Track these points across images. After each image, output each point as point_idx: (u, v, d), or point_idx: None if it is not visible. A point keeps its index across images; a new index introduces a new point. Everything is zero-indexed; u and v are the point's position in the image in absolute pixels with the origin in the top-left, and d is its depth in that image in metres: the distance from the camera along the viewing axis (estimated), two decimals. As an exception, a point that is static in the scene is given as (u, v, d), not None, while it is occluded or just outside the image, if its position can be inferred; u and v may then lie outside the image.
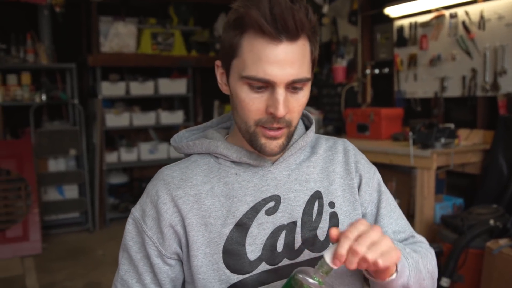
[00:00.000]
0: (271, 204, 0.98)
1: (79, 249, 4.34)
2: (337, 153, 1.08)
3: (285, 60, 0.87)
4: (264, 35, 0.86)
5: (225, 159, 1.01)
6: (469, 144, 3.59)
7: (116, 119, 5.00)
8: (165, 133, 5.47)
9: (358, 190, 1.06)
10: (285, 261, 0.97)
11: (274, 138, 0.93)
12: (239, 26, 0.89)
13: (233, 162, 1.00)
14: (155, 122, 5.22)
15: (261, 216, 0.97)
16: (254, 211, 0.97)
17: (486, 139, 3.63)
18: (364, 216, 1.07)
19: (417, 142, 3.31)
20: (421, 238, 1.10)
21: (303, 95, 0.93)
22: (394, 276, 0.87)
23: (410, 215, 3.64)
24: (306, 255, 0.98)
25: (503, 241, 2.65)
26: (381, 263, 0.79)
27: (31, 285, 3.53)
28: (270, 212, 0.97)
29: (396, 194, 3.68)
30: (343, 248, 0.78)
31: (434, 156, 3.20)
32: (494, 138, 3.54)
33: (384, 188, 1.10)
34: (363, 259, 0.78)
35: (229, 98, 1.00)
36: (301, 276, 0.79)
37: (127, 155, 5.13)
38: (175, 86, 5.30)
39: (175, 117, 5.27)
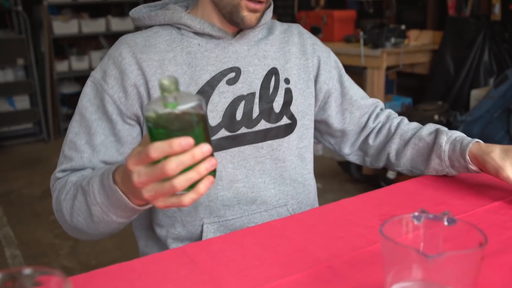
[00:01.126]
0: (232, 75, 1.03)
1: (34, 159, 4.33)
2: (293, 35, 1.14)
3: None
4: None
5: (188, 30, 1.03)
6: (418, 44, 3.66)
7: (64, 27, 4.82)
8: (116, 40, 5.31)
9: (318, 69, 1.14)
10: (243, 130, 1.03)
11: (255, 11, 0.98)
12: None
13: (196, 33, 1.03)
14: (105, 29, 5.06)
15: (222, 85, 1.02)
16: (215, 80, 1.01)
17: (435, 40, 3.70)
18: (328, 92, 1.16)
19: (368, 42, 3.36)
20: (388, 109, 1.24)
21: None
22: None
23: (360, 115, 3.76)
24: (263, 125, 1.05)
25: (445, 134, 2.80)
26: None
27: (-12, 194, 3.54)
28: (231, 82, 1.02)
29: (347, 95, 3.77)
30: None
31: (384, 55, 3.26)
32: (443, 39, 3.62)
33: (340, 64, 1.21)
34: None
35: None
36: (152, 113, 0.66)
37: (78, 64, 5.00)
38: (125, -9, 5.10)
39: (126, 23, 5.11)
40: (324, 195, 3.09)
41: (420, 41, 3.69)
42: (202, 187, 0.67)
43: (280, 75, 1.07)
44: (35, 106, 4.81)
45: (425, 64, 3.77)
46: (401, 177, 3.02)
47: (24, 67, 4.77)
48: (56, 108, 4.91)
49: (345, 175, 3.53)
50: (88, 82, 1.02)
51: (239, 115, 1.02)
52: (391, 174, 2.98)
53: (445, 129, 1.09)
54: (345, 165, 3.47)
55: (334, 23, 3.90)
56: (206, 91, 1.00)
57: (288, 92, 1.08)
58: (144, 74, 0.98)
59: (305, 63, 1.12)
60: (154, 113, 0.65)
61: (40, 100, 4.77)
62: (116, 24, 5.07)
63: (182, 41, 1.02)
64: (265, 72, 1.06)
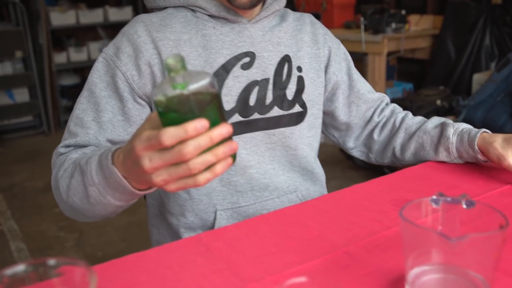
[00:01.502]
0: (247, 59, 1.02)
1: (36, 151, 4.32)
2: (305, 24, 1.14)
3: None
4: None
5: (203, 12, 1.02)
6: (419, 29, 3.65)
7: (61, 18, 4.79)
8: (114, 31, 5.27)
9: (329, 60, 1.14)
10: (256, 115, 1.03)
11: None
12: None
13: (211, 16, 1.02)
14: (103, 20, 5.03)
15: (237, 69, 1.01)
16: (230, 64, 1.01)
17: (435, 24, 3.70)
18: (336, 83, 1.16)
19: (369, 27, 3.35)
20: (393, 104, 1.26)
21: None
22: None
23: (362, 102, 3.75)
24: (275, 112, 1.04)
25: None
26: None
27: (-10, 187, 3.54)
28: (245, 67, 1.02)
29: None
30: None
31: (385, 41, 3.25)
32: (443, 23, 3.61)
33: (349, 57, 1.21)
34: None
35: None
36: (161, 96, 0.61)
37: (77, 55, 4.97)
38: (122, -19, 5.07)
39: (124, 13, 5.09)
40: (327, 182, 3.08)
41: (420, 26, 3.68)
42: (219, 168, 0.63)
43: (293, 63, 1.07)
44: (34, 99, 4.79)
45: (426, 49, 3.76)
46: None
47: (23, 60, 4.74)
48: (56, 100, 4.90)
49: (347, 162, 3.53)
50: (100, 58, 1.00)
51: (252, 100, 1.02)
52: (394, 160, 2.98)
53: (450, 121, 1.10)
54: (347, 152, 3.47)
55: (333, 9, 3.88)
56: (220, 75, 1.00)
57: (300, 80, 1.07)
58: (160, 53, 0.97)
59: (316, 53, 1.12)
60: (163, 96, 0.61)
61: (39, 93, 4.75)
62: (114, 14, 5.04)
63: (197, 24, 1.01)
64: (278, 59, 1.05)
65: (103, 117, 0.96)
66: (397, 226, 0.81)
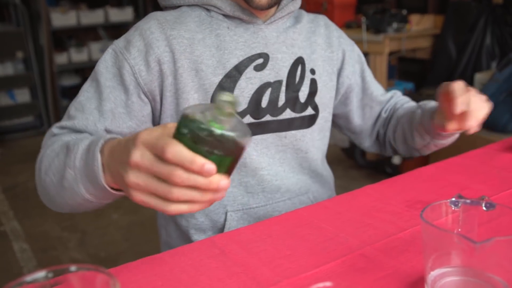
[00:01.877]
0: (260, 60, 1.01)
1: (37, 152, 4.22)
2: (319, 26, 1.12)
3: None
4: None
5: (218, 12, 1.01)
6: (420, 29, 3.64)
7: (62, 18, 4.78)
8: (115, 32, 5.28)
9: (342, 63, 1.14)
10: (268, 117, 1.02)
11: None
12: None
13: (225, 16, 1.01)
14: (104, 20, 5.02)
15: (250, 70, 1.00)
16: (243, 65, 0.99)
17: (436, 24, 3.69)
18: (350, 87, 1.16)
19: (370, 27, 3.34)
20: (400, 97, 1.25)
21: None
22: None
23: (364, 101, 3.75)
24: (287, 114, 1.04)
25: (451, 118, 2.79)
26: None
27: (-8, 188, 3.53)
28: (259, 68, 1.01)
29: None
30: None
31: (386, 40, 3.25)
32: (444, 23, 3.60)
33: (363, 59, 1.20)
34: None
35: None
36: (193, 119, 0.57)
37: (78, 56, 4.97)
38: (122, -18, 5.06)
39: (124, 14, 5.08)
40: (329, 182, 3.09)
41: (421, 26, 3.67)
42: (197, 207, 0.61)
43: (306, 65, 1.06)
44: (35, 99, 4.79)
45: (427, 49, 3.75)
46: (406, 162, 3.02)
47: (24, 60, 4.74)
48: (57, 101, 4.89)
49: (349, 162, 3.53)
50: (109, 50, 0.98)
51: (264, 102, 1.01)
52: (396, 160, 2.98)
53: (425, 102, 1.11)
54: (349, 151, 3.47)
55: (334, 9, 3.87)
56: (233, 76, 0.98)
57: (313, 83, 1.06)
58: (173, 51, 0.96)
59: (330, 56, 1.11)
60: (195, 120, 0.57)
61: (40, 93, 4.75)
62: (115, 15, 5.04)
63: (211, 23, 1.00)
64: (292, 61, 1.04)
65: (105, 106, 0.94)
66: (412, 227, 0.81)
